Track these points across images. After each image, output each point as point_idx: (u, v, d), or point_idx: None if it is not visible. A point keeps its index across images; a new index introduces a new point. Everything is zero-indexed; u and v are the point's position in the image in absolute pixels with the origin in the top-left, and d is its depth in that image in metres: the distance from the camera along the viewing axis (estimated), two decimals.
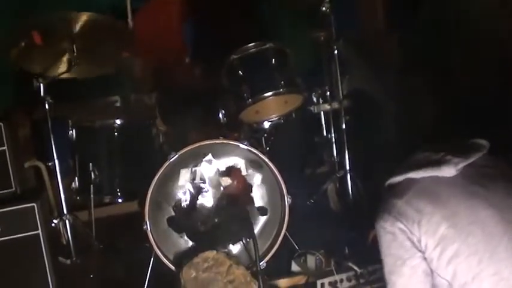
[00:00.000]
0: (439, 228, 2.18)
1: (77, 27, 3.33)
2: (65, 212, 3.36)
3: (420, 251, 2.24)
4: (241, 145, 3.10)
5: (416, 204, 2.22)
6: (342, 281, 3.03)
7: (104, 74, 3.64)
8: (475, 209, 2.19)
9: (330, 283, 3.02)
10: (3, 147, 3.01)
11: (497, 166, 2.32)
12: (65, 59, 3.42)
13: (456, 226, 2.18)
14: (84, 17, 3.31)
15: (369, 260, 2.97)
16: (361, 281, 3.02)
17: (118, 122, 3.41)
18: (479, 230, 2.17)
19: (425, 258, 2.25)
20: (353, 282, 3.03)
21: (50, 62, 3.40)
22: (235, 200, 3.17)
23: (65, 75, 3.40)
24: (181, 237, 3.16)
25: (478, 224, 2.18)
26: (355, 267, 3.03)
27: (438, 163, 2.26)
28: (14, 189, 3.04)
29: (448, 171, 2.24)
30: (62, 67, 3.43)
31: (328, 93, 3.75)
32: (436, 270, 2.23)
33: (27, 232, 2.97)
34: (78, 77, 3.47)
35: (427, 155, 2.32)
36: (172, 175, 3.13)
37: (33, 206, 2.97)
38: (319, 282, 3.03)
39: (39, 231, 2.98)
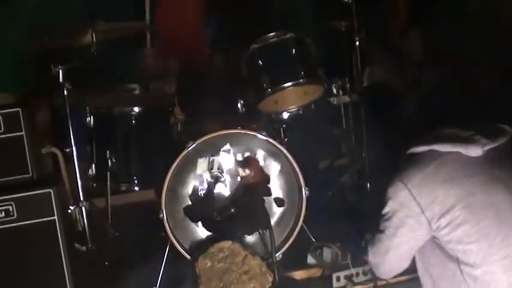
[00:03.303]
0: (452, 209, 2.20)
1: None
2: (81, 198, 3.37)
3: (425, 228, 2.27)
4: (259, 135, 3.08)
5: (434, 181, 2.23)
6: (358, 274, 3.01)
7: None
8: (492, 192, 2.21)
9: (345, 276, 3.01)
10: (21, 133, 3.01)
11: None
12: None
13: (470, 207, 2.19)
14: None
15: None
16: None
17: (136, 109, 3.40)
18: (493, 213, 2.19)
19: (433, 236, 2.29)
20: (369, 276, 3.00)
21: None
22: (252, 190, 3.15)
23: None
24: (197, 226, 3.15)
25: (493, 207, 2.20)
26: None
27: (466, 141, 2.24)
28: (30, 174, 3.03)
29: (475, 150, 2.23)
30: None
31: (348, 85, 3.71)
32: (445, 246, 2.26)
33: (43, 218, 2.96)
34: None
35: (455, 131, 2.31)
36: (189, 164, 3.11)
37: (50, 191, 2.96)
38: (334, 276, 3.02)
39: (55, 217, 2.97)
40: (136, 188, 3.47)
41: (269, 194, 3.18)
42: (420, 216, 2.26)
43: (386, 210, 2.36)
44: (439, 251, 2.33)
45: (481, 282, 2.22)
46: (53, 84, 3.37)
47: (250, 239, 3.17)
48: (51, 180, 3.20)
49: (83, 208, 3.36)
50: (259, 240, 3.15)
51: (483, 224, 2.19)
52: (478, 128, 2.29)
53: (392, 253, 2.42)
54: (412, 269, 2.71)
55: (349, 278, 3.00)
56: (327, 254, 3.15)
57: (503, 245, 2.18)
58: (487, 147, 2.24)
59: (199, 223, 3.14)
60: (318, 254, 3.18)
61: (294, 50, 3.42)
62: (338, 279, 3.01)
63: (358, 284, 3.00)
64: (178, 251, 3.05)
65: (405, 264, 2.53)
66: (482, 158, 2.24)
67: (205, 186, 3.16)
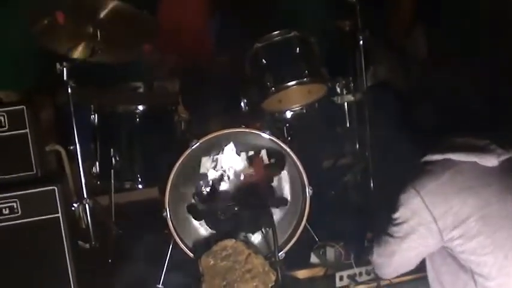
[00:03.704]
0: (467, 220, 2.17)
1: (102, 14, 3.32)
2: (85, 196, 3.37)
3: (436, 237, 2.24)
4: (263, 134, 3.08)
5: (448, 190, 2.20)
6: (361, 274, 3.02)
7: (126, 61, 3.64)
8: (508, 203, 2.18)
9: (348, 276, 3.01)
10: (25, 130, 3.01)
11: None
12: (87, 43, 3.41)
13: (485, 218, 2.16)
14: (110, 4, 3.30)
15: None
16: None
17: (140, 108, 3.42)
18: (509, 224, 2.17)
19: (445, 246, 2.26)
20: (372, 275, 3.01)
21: (71, 44, 3.39)
22: (255, 189, 3.16)
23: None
24: (201, 225, 3.16)
25: (509, 218, 2.17)
26: None
27: (482, 150, 2.22)
28: (34, 172, 3.03)
29: (490, 160, 2.21)
30: (84, 52, 3.43)
31: (351, 84, 3.70)
32: (458, 256, 2.24)
33: (47, 215, 2.96)
34: (100, 61, 3.45)
35: (469, 140, 2.28)
36: (193, 163, 3.12)
37: (54, 189, 2.97)
38: (337, 275, 3.02)
39: (59, 214, 2.97)
40: (140, 186, 3.48)
41: (272, 192, 3.19)
42: (432, 225, 2.23)
43: (397, 215, 2.33)
44: (451, 259, 2.30)
45: None
46: (57, 82, 3.36)
47: (253, 237, 3.18)
48: (55, 177, 3.20)
49: (87, 206, 3.36)
50: (263, 239, 3.16)
51: (499, 235, 2.16)
52: (492, 137, 2.27)
53: (398, 256, 2.40)
54: (416, 269, 2.71)
55: (352, 277, 3.00)
56: (330, 253, 3.15)
57: None
58: (502, 157, 2.21)
59: (203, 221, 3.14)
60: (321, 253, 3.19)
61: (297, 49, 3.42)
62: (341, 278, 3.01)
63: (361, 283, 3.01)
64: (182, 249, 3.05)
65: (409, 268, 2.52)
66: (497, 168, 2.21)
67: (209, 184, 3.17)
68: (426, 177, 2.25)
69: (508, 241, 2.16)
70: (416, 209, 2.25)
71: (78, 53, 3.42)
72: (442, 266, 2.35)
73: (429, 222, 2.23)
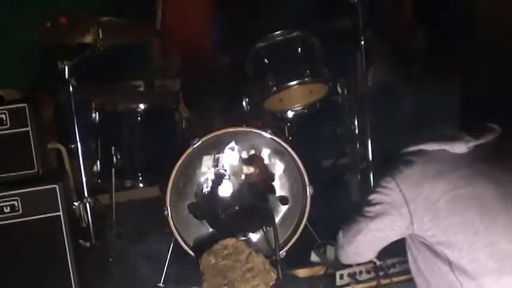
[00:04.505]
0: (437, 202, 2.27)
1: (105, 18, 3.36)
2: (86, 194, 3.38)
3: (406, 221, 2.33)
4: (264, 133, 3.09)
5: (420, 177, 2.31)
6: (361, 272, 3.02)
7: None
8: (477, 184, 2.28)
9: (349, 274, 3.02)
10: (27, 128, 3.01)
11: (507, 148, 2.39)
12: (90, 38, 3.42)
13: (454, 200, 2.27)
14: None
15: (389, 253, 2.94)
16: (380, 273, 3.01)
17: (141, 106, 3.42)
18: (477, 204, 2.25)
19: (417, 235, 2.35)
20: (372, 274, 3.02)
21: (75, 35, 3.40)
22: (256, 188, 3.17)
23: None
24: (202, 223, 3.16)
25: (477, 199, 2.26)
26: (375, 260, 3.00)
27: (451, 139, 2.35)
28: (36, 170, 3.04)
29: (459, 147, 2.33)
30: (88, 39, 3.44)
31: (353, 84, 3.71)
32: (431, 241, 2.32)
33: (48, 213, 2.97)
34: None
35: (442, 130, 2.41)
36: (194, 161, 3.13)
37: (55, 187, 2.97)
38: (338, 273, 3.02)
39: (61, 212, 2.98)
40: (141, 185, 3.48)
41: (273, 191, 3.20)
42: (403, 208, 2.33)
43: (371, 197, 2.44)
44: (425, 248, 2.37)
45: (469, 275, 2.25)
46: (58, 80, 3.36)
47: (254, 236, 3.18)
48: (57, 176, 3.21)
49: (87, 204, 3.37)
50: (263, 238, 3.17)
51: (467, 213, 2.25)
52: (465, 127, 2.39)
53: (362, 236, 2.46)
54: None
55: (352, 276, 3.01)
56: (331, 251, 3.16)
57: (488, 232, 2.23)
58: (471, 144, 2.32)
59: (204, 220, 3.15)
60: (321, 251, 3.20)
61: (299, 48, 3.42)
62: (341, 277, 3.02)
63: (361, 282, 3.01)
64: (183, 247, 3.05)
65: (369, 254, 2.59)
66: (467, 155, 2.33)
67: (210, 183, 3.17)
68: (401, 166, 2.36)
69: (476, 218, 2.24)
70: (390, 192, 2.36)
71: (82, 40, 3.42)
72: (418, 256, 2.43)
73: (401, 205, 2.33)
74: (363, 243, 2.49)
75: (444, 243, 2.29)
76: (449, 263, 2.28)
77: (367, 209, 2.44)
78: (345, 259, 2.67)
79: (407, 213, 2.33)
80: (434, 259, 2.34)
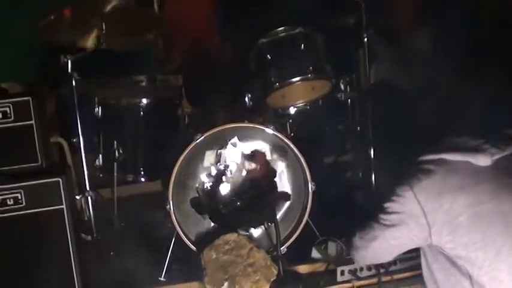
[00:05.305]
0: (458, 218, 2.20)
1: (108, 7, 3.35)
2: (87, 188, 3.38)
3: (423, 231, 2.27)
4: (266, 129, 3.09)
5: (440, 188, 2.23)
6: (362, 269, 3.02)
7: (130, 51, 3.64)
8: (501, 200, 2.20)
9: (350, 271, 3.02)
10: (31, 121, 3.01)
11: None
12: (93, 35, 3.42)
13: (476, 216, 2.19)
14: (113, 2, 3.35)
15: None
16: (381, 270, 3.01)
17: (144, 101, 3.43)
18: (501, 222, 2.18)
19: (435, 245, 2.28)
20: (373, 271, 3.02)
21: (77, 34, 3.42)
22: (258, 184, 3.17)
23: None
24: (204, 218, 3.17)
25: (501, 215, 2.19)
26: None
27: (475, 150, 2.25)
28: (39, 163, 3.04)
29: (483, 160, 2.23)
30: (90, 42, 3.45)
31: (355, 81, 3.72)
32: (449, 254, 2.26)
33: (51, 206, 2.97)
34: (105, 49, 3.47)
35: (464, 140, 2.31)
36: (197, 156, 3.13)
37: (59, 180, 2.97)
38: (339, 269, 3.03)
39: (64, 205, 2.98)
40: (143, 179, 3.49)
41: (275, 187, 3.20)
42: (421, 219, 2.26)
43: (388, 205, 2.37)
44: (442, 257, 2.32)
45: None
46: (61, 74, 3.36)
47: (255, 232, 3.19)
48: (60, 169, 3.21)
49: (89, 198, 3.38)
50: (265, 234, 3.18)
51: (490, 231, 2.18)
52: (487, 137, 2.29)
53: (379, 243, 2.43)
54: (415, 265, 2.74)
55: (353, 272, 3.01)
56: (332, 248, 3.16)
57: (510, 253, 2.17)
58: (496, 157, 2.23)
59: (206, 215, 3.16)
60: (322, 248, 3.20)
61: (302, 45, 3.43)
62: (342, 273, 3.02)
63: (362, 278, 3.01)
64: (184, 242, 3.06)
65: (386, 258, 2.60)
66: (491, 168, 2.23)
67: (212, 178, 3.18)
68: (420, 175, 2.28)
69: (499, 237, 2.18)
70: (408, 202, 2.29)
71: (83, 43, 3.43)
72: (434, 264, 2.38)
73: (419, 216, 2.26)
74: (380, 249, 2.47)
75: (464, 258, 2.22)
76: (469, 277, 2.23)
77: (383, 216, 2.38)
78: (361, 261, 2.69)
79: (425, 224, 2.26)
80: (452, 269, 2.28)
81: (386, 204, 2.38)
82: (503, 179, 2.22)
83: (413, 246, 2.40)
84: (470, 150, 2.25)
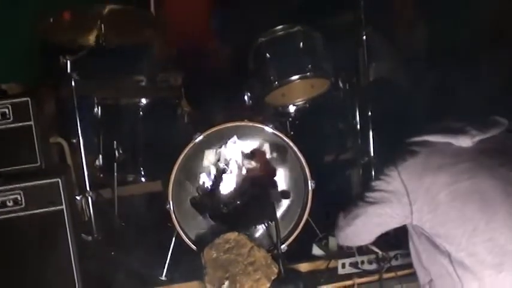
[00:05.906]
0: (437, 195, 2.30)
1: (106, 9, 3.36)
2: (88, 188, 3.38)
3: (405, 209, 2.37)
4: (266, 128, 3.09)
5: (422, 168, 2.34)
6: (363, 262, 3.04)
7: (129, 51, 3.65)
8: (478, 178, 2.29)
9: (351, 264, 3.04)
10: (30, 122, 3.02)
11: None
12: (93, 34, 3.42)
13: (455, 193, 2.29)
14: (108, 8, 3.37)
15: (392, 246, 2.98)
16: (382, 264, 3.01)
17: (143, 101, 3.43)
18: (477, 199, 2.27)
19: (417, 226, 2.38)
20: (374, 264, 3.03)
21: (77, 34, 3.42)
22: (258, 182, 3.17)
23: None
24: (204, 217, 3.16)
25: (478, 193, 2.28)
26: (377, 250, 3.01)
27: (457, 131, 2.36)
28: (39, 163, 3.04)
29: (464, 141, 2.34)
30: (90, 40, 3.45)
31: (354, 79, 3.71)
32: (430, 232, 2.35)
33: (51, 207, 2.98)
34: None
35: (447, 123, 2.42)
36: (196, 156, 3.13)
37: (58, 181, 2.98)
38: (340, 262, 3.04)
39: (63, 206, 2.99)
40: (143, 179, 3.50)
41: (275, 186, 3.19)
42: (403, 197, 2.36)
43: (373, 183, 2.49)
44: (425, 238, 2.40)
45: (467, 268, 2.27)
46: (60, 74, 3.36)
47: (256, 230, 3.19)
48: (59, 169, 3.22)
49: (89, 198, 3.38)
50: (265, 232, 3.18)
51: (467, 208, 2.27)
52: (471, 120, 2.39)
53: (361, 220, 2.51)
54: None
55: (354, 265, 3.02)
56: (333, 242, 3.17)
57: (487, 228, 2.24)
58: (476, 138, 2.33)
59: (206, 214, 3.15)
60: (323, 244, 3.21)
61: (301, 43, 3.43)
62: (343, 266, 3.04)
63: (363, 272, 3.02)
64: (185, 241, 3.06)
65: (366, 239, 2.66)
66: (472, 148, 2.34)
67: (212, 177, 3.17)
68: (404, 155, 2.39)
69: (476, 214, 2.26)
70: (392, 181, 2.40)
71: (83, 41, 3.43)
72: (420, 246, 2.46)
73: (401, 194, 2.37)
74: (361, 227, 2.55)
75: (442, 235, 2.31)
76: (448, 255, 2.31)
77: (368, 194, 2.48)
78: (343, 241, 2.73)
79: (407, 202, 2.35)
80: (433, 250, 2.36)
81: (373, 183, 2.49)
82: (482, 159, 2.32)
83: (395, 225, 2.49)
84: (452, 131, 2.36)
